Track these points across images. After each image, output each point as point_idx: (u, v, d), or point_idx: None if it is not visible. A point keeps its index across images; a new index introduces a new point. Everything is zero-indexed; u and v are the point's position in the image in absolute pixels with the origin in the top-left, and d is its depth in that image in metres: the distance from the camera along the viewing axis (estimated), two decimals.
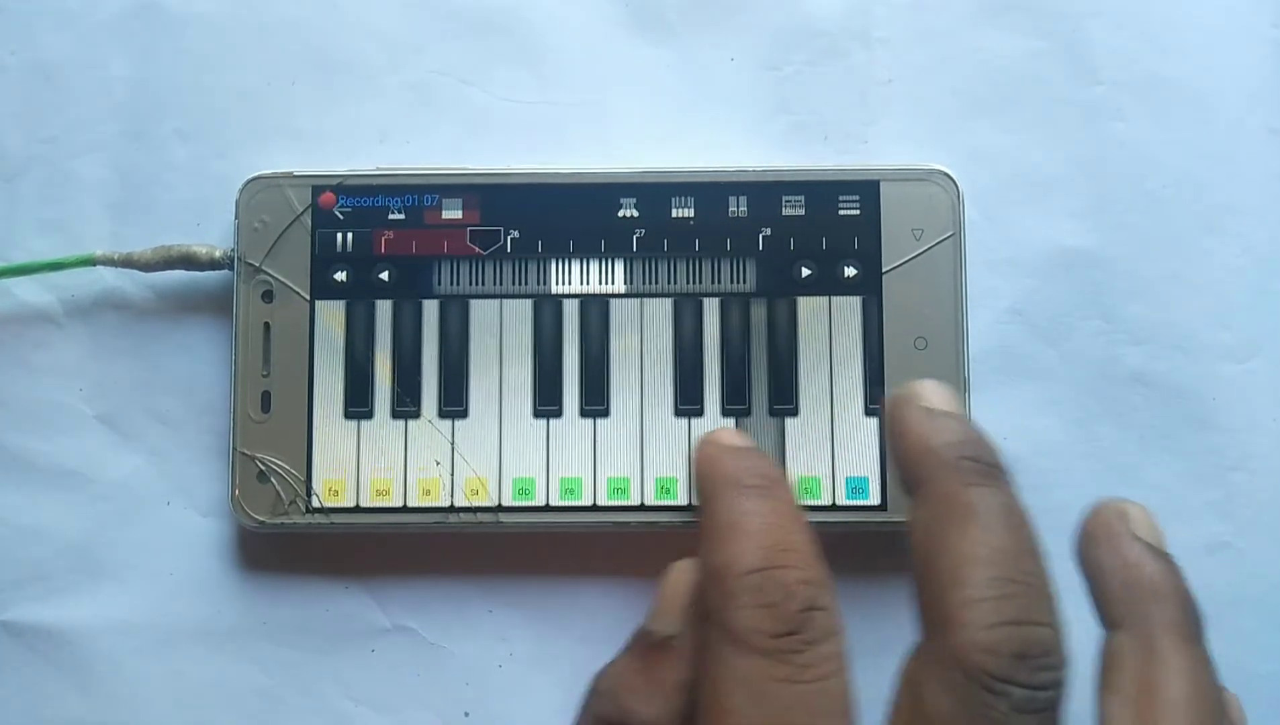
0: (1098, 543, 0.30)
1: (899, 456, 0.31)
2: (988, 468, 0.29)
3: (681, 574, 0.32)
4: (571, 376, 0.39)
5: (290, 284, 0.39)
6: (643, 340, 0.39)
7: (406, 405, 0.39)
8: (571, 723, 0.32)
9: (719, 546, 0.30)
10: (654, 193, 0.39)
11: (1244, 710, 0.31)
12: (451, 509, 0.39)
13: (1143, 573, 0.29)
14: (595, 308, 0.39)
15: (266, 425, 0.39)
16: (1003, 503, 0.28)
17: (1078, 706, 0.28)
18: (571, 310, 0.39)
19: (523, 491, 0.39)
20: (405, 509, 0.39)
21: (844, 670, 0.28)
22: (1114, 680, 0.28)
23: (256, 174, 0.40)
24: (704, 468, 0.32)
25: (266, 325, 0.39)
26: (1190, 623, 0.28)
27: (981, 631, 0.26)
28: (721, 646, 0.28)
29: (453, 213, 0.39)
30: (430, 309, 0.39)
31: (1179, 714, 0.27)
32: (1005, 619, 0.26)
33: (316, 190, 0.39)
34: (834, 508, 0.38)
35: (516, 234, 0.39)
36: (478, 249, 0.39)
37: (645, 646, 0.32)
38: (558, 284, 0.39)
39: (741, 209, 0.39)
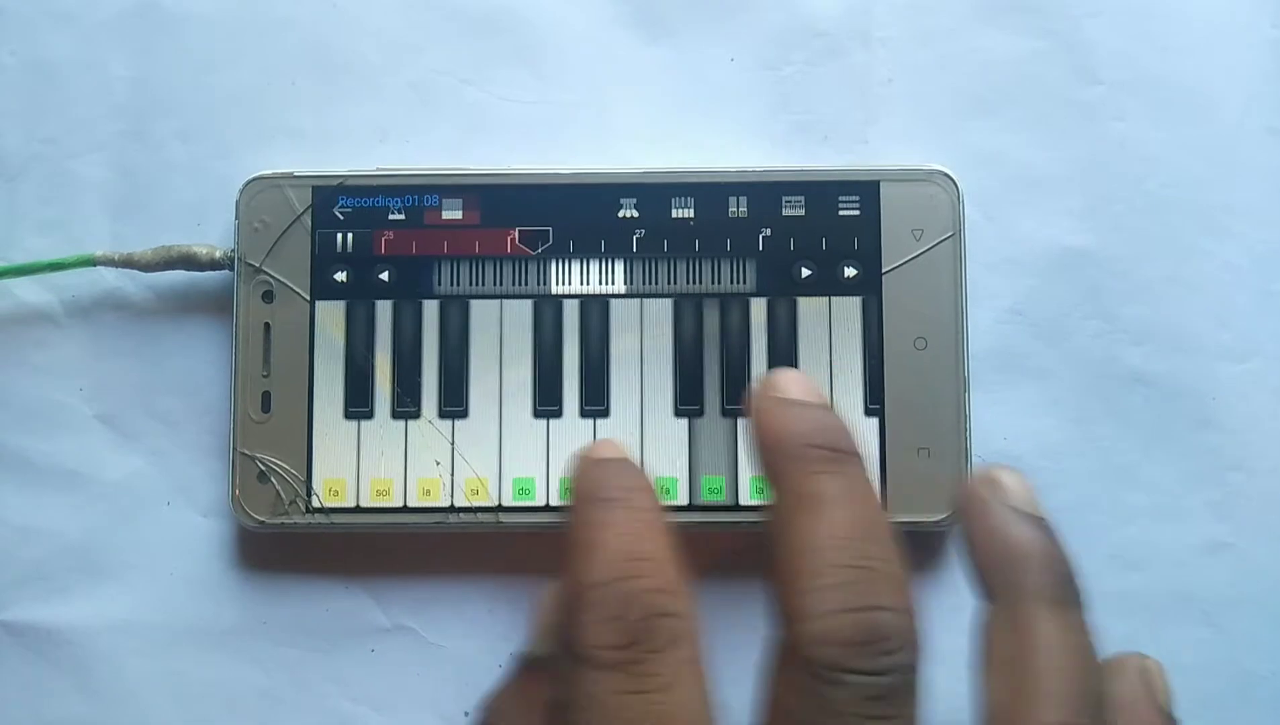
0: (968, 515, 0.29)
1: (754, 450, 0.30)
2: (834, 454, 0.28)
3: (553, 593, 0.32)
4: (571, 377, 0.39)
5: (290, 284, 0.39)
6: (643, 340, 0.39)
7: (407, 405, 0.39)
8: None
9: (572, 563, 0.29)
10: (654, 193, 0.39)
11: (1166, 677, 0.30)
12: (452, 509, 0.39)
13: (1008, 540, 0.28)
14: (595, 308, 0.39)
15: (267, 425, 0.39)
16: (846, 488, 0.28)
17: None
18: (572, 310, 0.39)
19: (523, 491, 0.39)
20: (405, 509, 0.39)
21: (694, 675, 0.27)
22: (988, 654, 0.28)
23: (257, 174, 0.40)
24: (570, 483, 0.31)
25: (267, 325, 0.39)
26: (1060, 586, 0.28)
27: (818, 621, 0.26)
28: (571, 664, 0.27)
29: (453, 213, 0.39)
30: (430, 309, 0.39)
31: (1052, 684, 0.26)
32: (842, 606, 0.26)
33: (317, 191, 0.39)
34: None
35: (516, 234, 0.39)
36: (527, 249, 0.39)
37: (524, 668, 0.32)
38: (558, 284, 0.39)
39: (741, 209, 0.39)
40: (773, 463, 0.29)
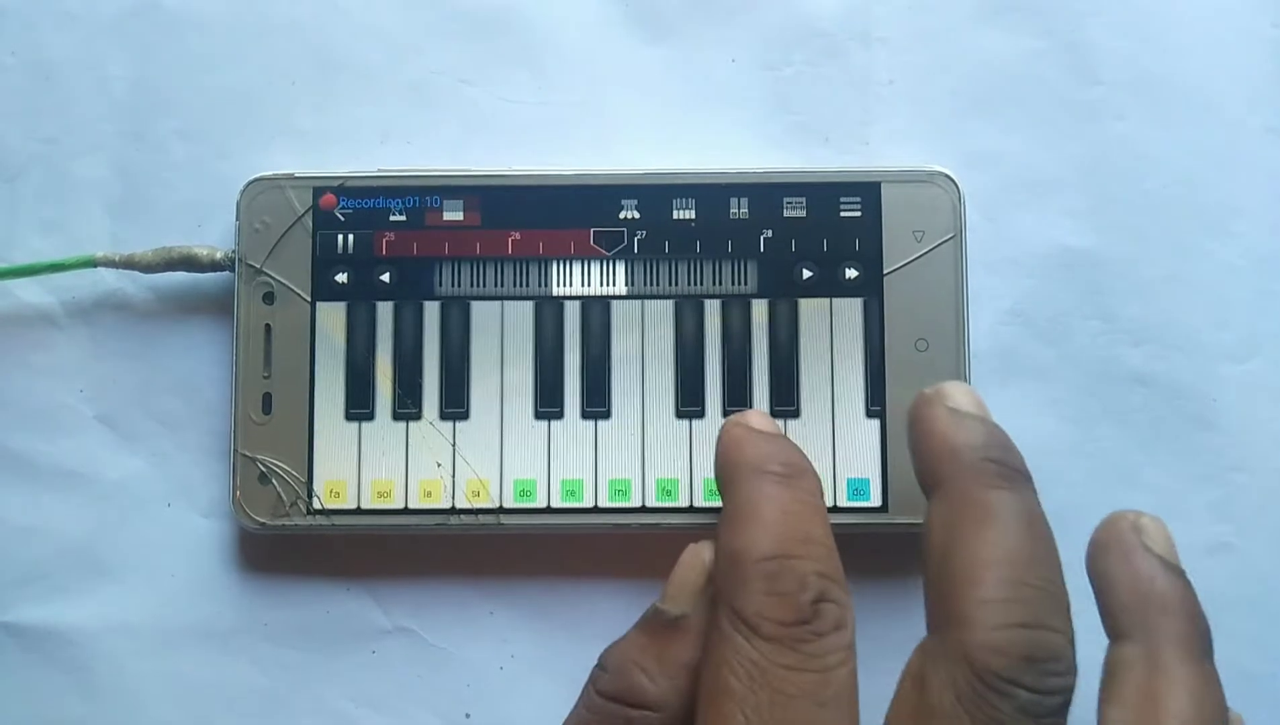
0: (1109, 553, 0.30)
1: (920, 455, 0.31)
2: (1010, 471, 0.29)
3: (696, 555, 0.32)
4: (573, 378, 0.39)
5: (291, 286, 0.39)
6: (644, 342, 0.39)
7: (407, 407, 0.39)
8: (578, 697, 0.32)
9: (737, 530, 0.30)
10: (655, 194, 0.39)
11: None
12: (453, 511, 0.39)
13: (1153, 586, 0.29)
14: (596, 309, 0.39)
15: (267, 427, 0.39)
16: (1022, 507, 0.28)
17: (1083, 717, 0.28)
18: (573, 312, 0.39)
19: (524, 493, 0.39)
20: (406, 511, 0.39)
21: (851, 663, 0.28)
22: (1117, 691, 0.28)
23: (257, 175, 0.40)
24: (728, 450, 0.32)
25: (267, 327, 0.39)
26: (1198, 639, 0.28)
27: (992, 631, 0.26)
28: (730, 629, 0.28)
29: (454, 214, 0.39)
30: (431, 310, 0.39)
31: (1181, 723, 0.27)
32: (1016, 621, 0.26)
33: (318, 191, 0.39)
34: (835, 509, 0.38)
35: (518, 236, 0.39)
36: (603, 249, 0.39)
37: (655, 625, 0.32)
38: (559, 286, 0.39)
39: (742, 210, 0.39)
40: (942, 470, 0.30)
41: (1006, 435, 0.30)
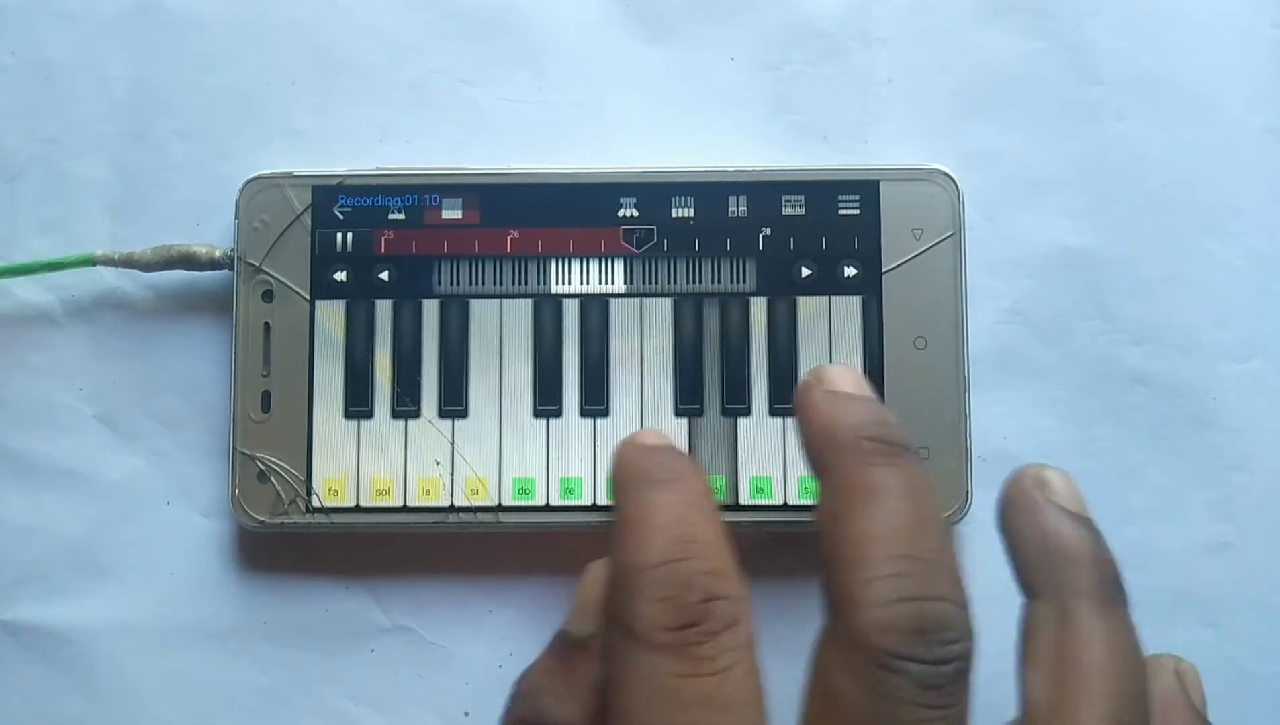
0: (1015, 510, 0.29)
1: (804, 443, 0.30)
2: (888, 447, 0.29)
3: (595, 573, 0.32)
4: (571, 376, 0.39)
5: (290, 284, 0.39)
6: (642, 340, 0.39)
7: (406, 405, 0.39)
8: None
9: (623, 543, 0.29)
10: (654, 193, 0.39)
11: (1200, 681, 0.30)
12: (451, 509, 0.39)
13: (1059, 539, 0.28)
14: (595, 308, 0.39)
15: (266, 425, 0.39)
16: (902, 480, 0.28)
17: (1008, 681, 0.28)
18: (571, 310, 0.39)
19: (523, 491, 0.39)
20: (405, 509, 0.39)
21: (749, 659, 0.28)
22: (1032, 651, 0.28)
23: (256, 174, 0.40)
24: (616, 467, 0.32)
25: (266, 325, 0.39)
26: (1108, 587, 0.28)
27: (879, 609, 0.26)
28: (623, 644, 0.28)
29: (453, 213, 0.39)
30: (430, 309, 0.39)
31: (1096, 681, 0.26)
32: (903, 595, 0.26)
33: (317, 190, 0.39)
34: None
35: (516, 234, 0.39)
36: (631, 247, 0.39)
37: (561, 647, 0.32)
38: (558, 284, 0.39)
39: (741, 209, 0.39)
40: (824, 454, 0.29)
41: (885, 410, 0.30)
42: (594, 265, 0.39)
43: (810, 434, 0.30)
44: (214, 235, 0.41)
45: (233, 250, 0.39)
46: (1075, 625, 0.27)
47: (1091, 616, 0.27)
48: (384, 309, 0.39)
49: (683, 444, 0.39)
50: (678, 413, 0.39)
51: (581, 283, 0.39)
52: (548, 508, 0.39)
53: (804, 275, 0.39)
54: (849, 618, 0.26)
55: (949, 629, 0.26)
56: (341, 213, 0.39)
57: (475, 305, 0.39)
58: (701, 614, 0.27)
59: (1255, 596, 0.40)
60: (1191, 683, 0.30)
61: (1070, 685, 0.27)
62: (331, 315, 0.39)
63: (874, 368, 0.39)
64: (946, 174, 0.39)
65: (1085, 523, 0.29)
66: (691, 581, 0.28)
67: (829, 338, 0.39)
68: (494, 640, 0.40)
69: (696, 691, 0.27)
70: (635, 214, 0.39)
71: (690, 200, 0.39)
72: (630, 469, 0.31)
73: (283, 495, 0.39)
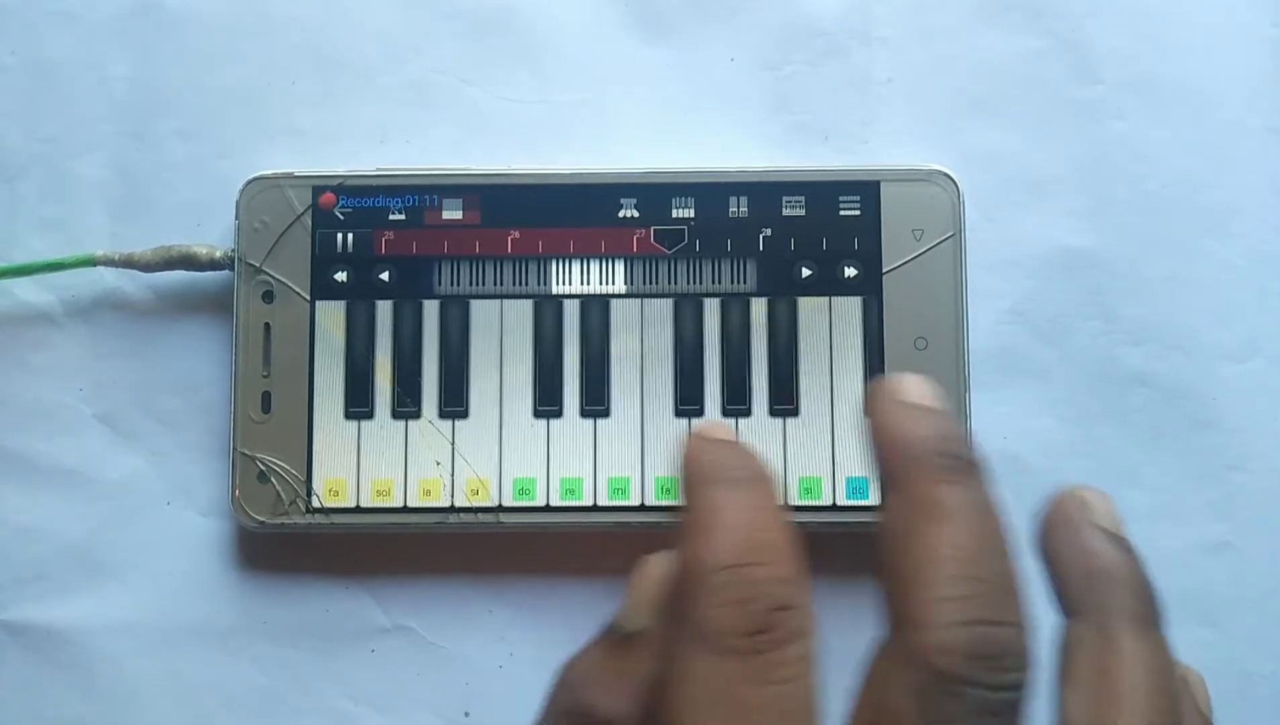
0: (1056, 531, 0.29)
1: (875, 453, 0.30)
2: (962, 464, 0.28)
3: (653, 568, 0.31)
4: (572, 377, 0.39)
5: (290, 284, 0.39)
6: (643, 340, 0.39)
7: (407, 405, 0.39)
8: (536, 714, 0.32)
9: (692, 541, 0.29)
10: (654, 193, 0.39)
11: (1207, 688, 0.30)
12: (452, 509, 0.39)
13: (1100, 560, 0.28)
14: (595, 308, 0.39)
15: (267, 425, 0.39)
16: (974, 500, 0.28)
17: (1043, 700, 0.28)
18: (572, 311, 0.39)
19: (523, 491, 0.39)
20: (406, 509, 0.39)
21: (811, 672, 0.27)
22: (1070, 670, 0.28)
23: (257, 174, 0.40)
24: (686, 461, 0.32)
25: (267, 325, 0.39)
26: (1147, 608, 0.28)
27: (942, 631, 0.26)
28: (687, 643, 0.27)
29: (453, 213, 0.39)
30: (430, 309, 0.39)
31: (1136, 701, 0.26)
32: (967, 618, 0.26)
33: (317, 190, 0.39)
34: (834, 508, 0.38)
35: (517, 235, 0.39)
36: (661, 248, 0.39)
37: (612, 640, 0.32)
38: (558, 284, 0.39)
39: (742, 209, 0.39)
40: (895, 467, 0.29)
41: (959, 427, 0.30)
42: (594, 265, 0.39)
43: (880, 445, 0.30)
44: (214, 235, 0.41)
45: (233, 250, 0.39)
46: (1116, 646, 0.27)
47: (1133, 638, 0.27)
48: (384, 309, 0.39)
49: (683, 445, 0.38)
50: (678, 413, 0.39)
51: (582, 283, 0.39)
52: (548, 508, 0.39)
53: (804, 275, 0.39)
54: (911, 636, 0.26)
55: (1011, 655, 0.26)
56: (342, 213, 0.39)
57: (476, 306, 0.39)
58: (770, 622, 0.27)
59: (1255, 596, 0.40)
60: (1199, 691, 0.30)
61: (1111, 705, 0.27)
62: (332, 316, 0.39)
63: (875, 368, 0.39)
64: (946, 174, 0.39)
65: (1125, 544, 0.29)
66: (762, 587, 0.28)
67: (829, 338, 0.39)
68: (494, 640, 0.40)
69: (757, 697, 0.27)
70: (635, 214, 0.39)
71: (690, 201, 0.39)
72: (702, 464, 0.31)
73: (283, 495, 0.39)
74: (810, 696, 0.27)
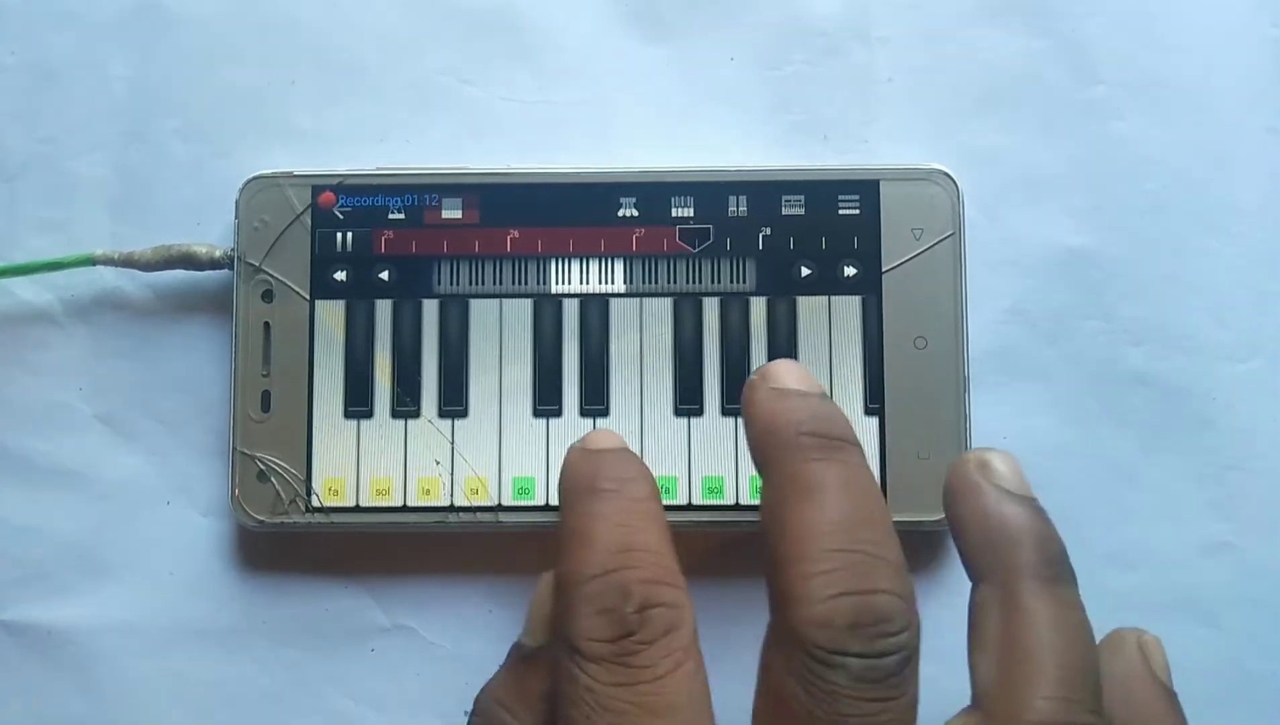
0: (957, 496, 0.29)
1: (749, 441, 0.30)
2: (829, 442, 0.29)
3: (546, 584, 0.31)
4: (571, 376, 0.39)
5: (290, 284, 0.39)
6: (642, 340, 0.39)
7: (406, 405, 0.39)
8: None
9: (564, 556, 0.29)
10: (654, 193, 0.39)
11: (1163, 650, 0.30)
12: (451, 508, 0.39)
13: (1000, 521, 0.28)
14: (595, 307, 0.39)
15: (266, 425, 0.39)
16: (842, 475, 0.28)
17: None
18: (571, 310, 0.39)
19: (523, 491, 0.39)
20: (405, 508, 0.39)
21: (689, 662, 0.28)
22: (979, 635, 0.28)
23: (256, 174, 0.40)
24: (562, 475, 0.31)
25: (266, 325, 0.39)
26: (1052, 567, 0.28)
27: (815, 605, 0.26)
28: (564, 658, 0.28)
29: (453, 212, 0.39)
30: (430, 308, 0.39)
31: (1042, 660, 0.26)
32: (840, 590, 0.26)
33: (316, 190, 0.40)
34: None
35: (516, 234, 0.39)
36: (687, 247, 0.39)
37: (516, 660, 0.32)
38: (558, 284, 0.39)
39: (741, 209, 0.39)
40: (767, 451, 0.29)
41: (828, 405, 0.30)
42: (594, 265, 0.39)
43: (755, 432, 0.30)
44: (214, 235, 0.41)
45: (233, 250, 0.39)
46: (1019, 606, 0.27)
47: (1035, 597, 0.27)
48: (384, 309, 0.39)
49: (682, 444, 0.39)
50: (678, 413, 0.39)
51: (581, 282, 0.39)
52: (547, 507, 0.38)
53: (804, 275, 0.39)
54: (788, 614, 0.26)
55: (888, 621, 0.26)
56: (341, 212, 0.39)
57: (475, 305, 0.39)
58: (638, 623, 0.27)
59: (1255, 596, 0.40)
60: (1155, 655, 0.30)
61: (1017, 668, 0.27)
62: (331, 315, 0.39)
63: (874, 368, 0.39)
64: (946, 174, 0.39)
65: (1028, 503, 0.29)
66: (629, 591, 0.28)
67: (829, 338, 0.39)
68: (494, 640, 0.40)
69: (631, 699, 0.27)
70: (635, 214, 0.39)
71: (690, 200, 0.39)
72: (574, 477, 0.31)
73: (283, 495, 0.39)
74: (688, 687, 0.27)
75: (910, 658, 0.26)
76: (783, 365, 0.31)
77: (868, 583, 0.26)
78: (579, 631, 0.27)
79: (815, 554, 0.27)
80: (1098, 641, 0.28)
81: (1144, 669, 0.29)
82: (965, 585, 0.29)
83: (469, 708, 0.39)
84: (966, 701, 0.28)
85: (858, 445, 0.29)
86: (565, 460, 0.31)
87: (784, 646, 0.26)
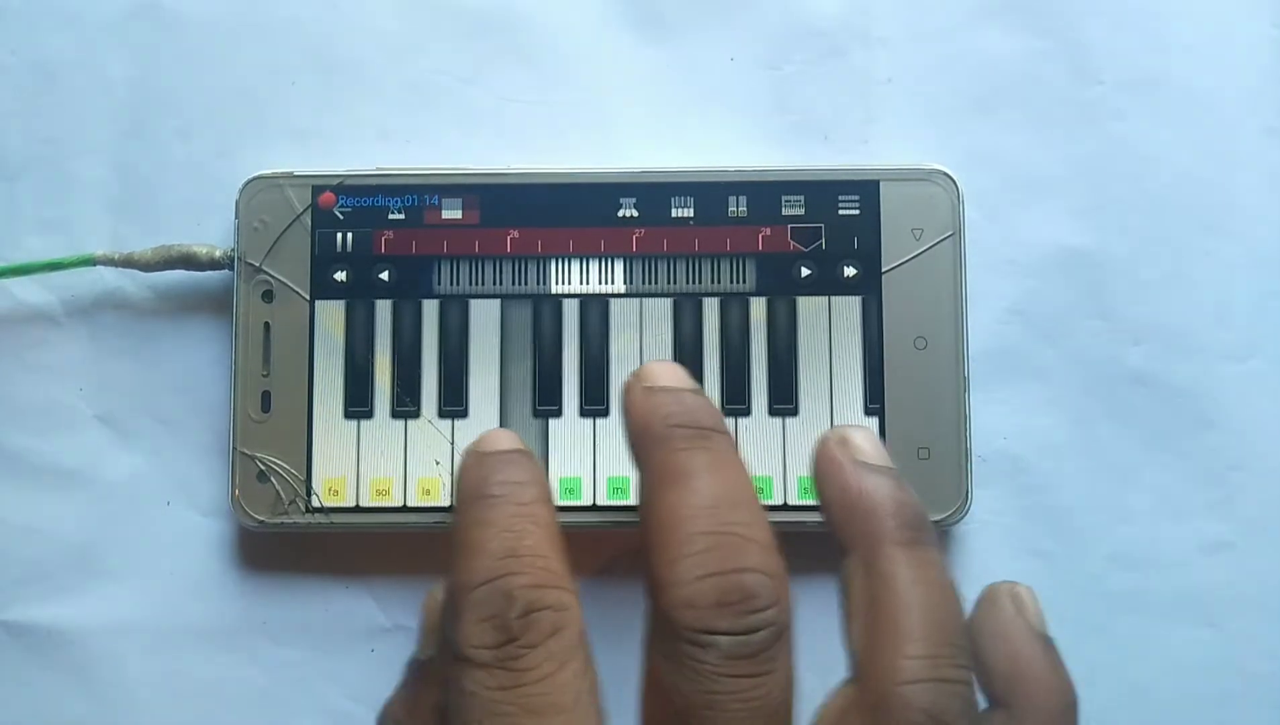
0: (820, 474, 0.30)
1: (628, 441, 0.31)
2: (698, 432, 0.29)
3: (435, 595, 0.31)
4: (571, 376, 0.39)
5: (290, 284, 0.39)
6: (642, 340, 0.39)
7: (406, 405, 0.39)
8: None
9: (453, 564, 0.29)
10: (654, 193, 0.39)
11: (1037, 598, 0.30)
12: (451, 508, 0.38)
13: (859, 493, 0.29)
14: (595, 307, 0.39)
15: (266, 425, 0.39)
16: (709, 460, 0.28)
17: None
18: (571, 310, 0.39)
19: None
20: (405, 509, 0.39)
21: (575, 662, 0.27)
22: (848, 605, 0.28)
23: (257, 174, 0.40)
24: (456, 479, 0.31)
25: (266, 325, 0.39)
26: (910, 530, 0.28)
27: (683, 588, 0.26)
28: (451, 666, 0.28)
29: (453, 213, 0.39)
30: (430, 309, 0.39)
31: (906, 621, 0.27)
32: (706, 571, 0.26)
33: (316, 190, 0.40)
34: None
35: (516, 234, 0.39)
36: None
37: (411, 672, 0.32)
38: (558, 284, 0.39)
39: (741, 209, 0.39)
40: (641, 447, 0.30)
41: (702, 398, 0.30)
42: (594, 265, 0.39)
43: (629, 431, 0.30)
44: (214, 235, 0.41)
45: (233, 250, 0.39)
46: (880, 572, 0.28)
47: (894, 561, 0.28)
48: (384, 309, 0.39)
49: None
50: None
51: (581, 283, 0.39)
52: None
53: (804, 275, 0.39)
54: (659, 600, 0.27)
55: (755, 598, 0.26)
56: (341, 213, 0.39)
57: (475, 305, 0.39)
58: (522, 628, 0.27)
59: (1255, 596, 0.40)
60: (1028, 604, 0.30)
61: (882, 632, 0.27)
62: (331, 315, 0.39)
63: (874, 368, 0.39)
64: (946, 174, 0.39)
65: (885, 472, 0.29)
66: (513, 596, 0.28)
67: (829, 338, 0.39)
68: None
69: (515, 702, 0.27)
70: (635, 214, 0.39)
71: (690, 200, 0.39)
72: (464, 484, 0.31)
73: (283, 495, 0.39)
74: (574, 686, 0.27)
75: (781, 633, 0.27)
76: (656, 365, 0.31)
77: (734, 562, 0.27)
78: (464, 639, 0.28)
79: (683, 538, 0.27)
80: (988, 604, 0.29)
81: (1019, 620, 0.29)
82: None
83: None
84: None
85: (727, 434, 0.30)
86: (459, 463, 0.31)
87: (658, 633, 0.27)
